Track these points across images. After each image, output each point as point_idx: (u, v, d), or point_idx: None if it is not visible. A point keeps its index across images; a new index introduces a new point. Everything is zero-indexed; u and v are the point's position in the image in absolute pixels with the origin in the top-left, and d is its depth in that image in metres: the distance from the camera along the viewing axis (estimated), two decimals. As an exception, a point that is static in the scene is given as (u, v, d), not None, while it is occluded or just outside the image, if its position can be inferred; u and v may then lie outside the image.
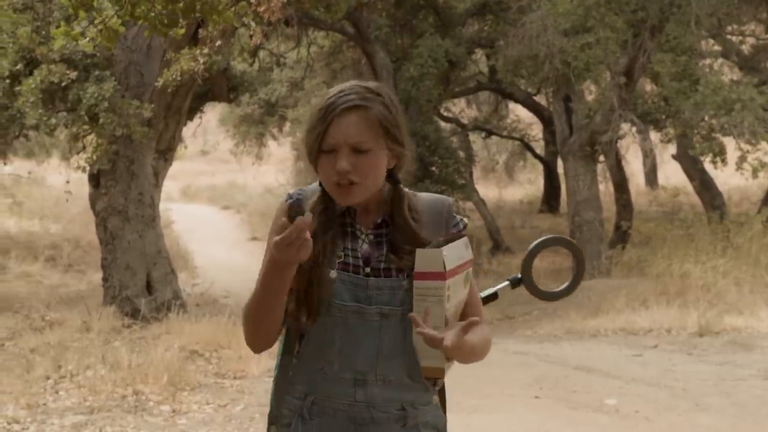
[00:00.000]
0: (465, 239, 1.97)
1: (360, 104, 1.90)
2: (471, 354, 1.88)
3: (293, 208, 1.94)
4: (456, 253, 1.92)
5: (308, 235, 1.77)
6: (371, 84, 1.98)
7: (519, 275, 2.38)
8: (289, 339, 2.00)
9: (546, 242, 2.27)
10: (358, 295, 1.92)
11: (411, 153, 2.00)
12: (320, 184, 1.98)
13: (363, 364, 1.93)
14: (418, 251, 1.88)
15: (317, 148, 1.91)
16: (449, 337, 1.78)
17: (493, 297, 2.49)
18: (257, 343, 1.98)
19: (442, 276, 1.86)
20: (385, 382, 1.94)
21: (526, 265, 2.40)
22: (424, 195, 2.06)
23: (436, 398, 2.04)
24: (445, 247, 1.88)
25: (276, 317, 1.92)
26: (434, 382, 2.01)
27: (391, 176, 1.99)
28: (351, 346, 1.92)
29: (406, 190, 2.02)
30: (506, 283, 2.41)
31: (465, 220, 2.06)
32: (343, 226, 1.97)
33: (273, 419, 2.01)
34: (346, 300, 1.92)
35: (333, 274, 1.92)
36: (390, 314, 1.93)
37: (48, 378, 6.72)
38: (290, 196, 2.01)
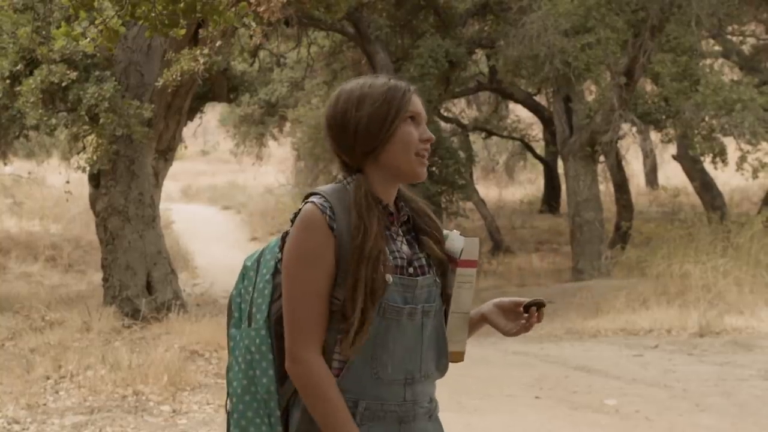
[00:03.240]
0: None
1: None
2: None
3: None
4: None
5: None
6: None
7: None
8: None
9: None
10: (407, 297, 1.94)
11: None
12: (343, 180, 1.99)
13: (411, 364, 1.96)
14: (465, 240, 2.01)
15: (398, 116, 1.95)
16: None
17: None
18: None
19: (475, 263, 2.01)
20: (425, 377, 1.99)
21: None
22: None
23: None
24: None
25: None
26: None
27: None
28: (402, 348, 1.95)
29: None
30: None
31: None
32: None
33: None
34: (399, 302, 1.93)
35: (389, 278, 1.92)
36: (430, 311, 1.98)
37: (48, 378, 6.71)
38: (324, 207, 1.92)
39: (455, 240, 2.01)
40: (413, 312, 1.94)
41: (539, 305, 1.99)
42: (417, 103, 1.99)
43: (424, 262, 1.99)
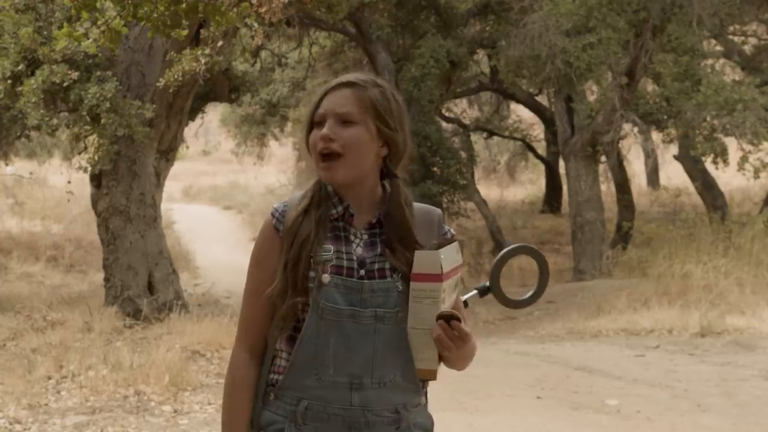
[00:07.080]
0: (456, 244, 1.98)
1: (354, 82, 1.95)
2: (464, 357, 1.94)
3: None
4: (450, 256, 1.93)
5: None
6: (378, 78, 2.01)
7: (487, 284, 2.33)
8: (266, 352, 1.99)
9: (513, 251, 2.26)
10: (352, 299, 1.90)
11: (406, 142, 2.00)
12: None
13: (359, 368, 1.91)
14: (417, 252, 1.89)
15: (309, 123, 1.95)
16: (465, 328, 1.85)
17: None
18: None
19: (438, 278, 1.87)
20: (380, 384, 1.92)
21: (495, 274, 2.37)
22: (415, 203, 2.06)
23: (424, 399, 2.03)
24: (441, 249, 1.89)
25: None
26: (424, 384, 2.01)
27: (387, 167, 2.00)
28: (346, 350, 1.90)
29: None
30: (474, 292, 2.33)
31: (452, 231, 2.07)
32: (335, 230, 1.96)
33: (261, 426, 1.97)
34: (340, 304, 1.90)
35: (326, 278, 1.90)
36: (385, 316, 1.91)
37: (50, 378, 6.72)
38: (275, 210, 2.00)
39: (418, 254, 1.90)
40: (357, 315, 1.89)
41: (447, 318, 1.86)
42: (327, 103, 1.94)
43: (386, 266, 1.93)
